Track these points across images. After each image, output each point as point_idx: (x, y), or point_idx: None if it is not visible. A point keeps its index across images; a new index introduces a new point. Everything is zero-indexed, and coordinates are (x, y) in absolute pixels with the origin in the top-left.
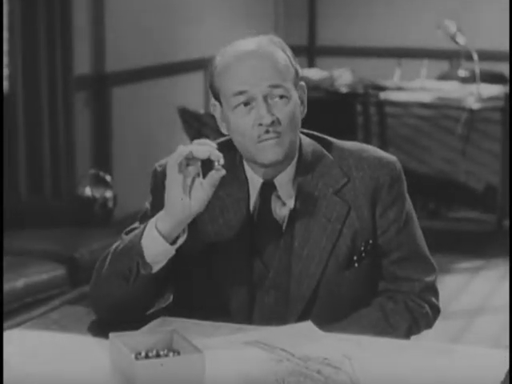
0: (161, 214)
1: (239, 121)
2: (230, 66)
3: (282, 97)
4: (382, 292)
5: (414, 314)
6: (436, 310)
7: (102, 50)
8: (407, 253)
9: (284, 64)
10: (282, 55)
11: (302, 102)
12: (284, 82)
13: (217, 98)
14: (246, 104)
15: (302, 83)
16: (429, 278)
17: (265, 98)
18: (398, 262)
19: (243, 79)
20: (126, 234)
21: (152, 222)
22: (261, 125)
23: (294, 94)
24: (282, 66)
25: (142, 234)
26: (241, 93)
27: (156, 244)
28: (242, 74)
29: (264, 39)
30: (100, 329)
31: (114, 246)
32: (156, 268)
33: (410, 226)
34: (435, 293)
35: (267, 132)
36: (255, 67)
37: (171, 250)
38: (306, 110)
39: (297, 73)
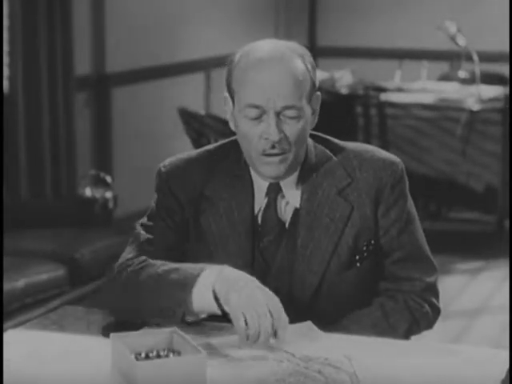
0: (224, 289)
1: (248, 130)
2: (248, 74)
3: (293, 116)
4: (382, 291)
5: (414, 313)
6: (436, 311)
7: (102, 50)
8: (408, 253)
9: (302, 79)
10: (302, 67)
11: (313, 113)
12: (298, 101)
13: (230, 94)
14: (256, 116)
15: (318, 93)
16: (430, 278)
17: (277, 113)
18: (398, 261)
19: (259, 93)
20: (142, 225)
21: (207, 278)
22: (267, 139)
23: (307, 110)
24: (299, 81)
25: (193, 281)
26: (255, 106)
27: (206, 304)
28: (258, 87)
29: (285, 48)
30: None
31: (147, 263)
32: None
33: (411, 227)
34: (436, 293)
35: (273, 147)
36: (273, 82)
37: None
38: (316, 120)
39: (313, 85)
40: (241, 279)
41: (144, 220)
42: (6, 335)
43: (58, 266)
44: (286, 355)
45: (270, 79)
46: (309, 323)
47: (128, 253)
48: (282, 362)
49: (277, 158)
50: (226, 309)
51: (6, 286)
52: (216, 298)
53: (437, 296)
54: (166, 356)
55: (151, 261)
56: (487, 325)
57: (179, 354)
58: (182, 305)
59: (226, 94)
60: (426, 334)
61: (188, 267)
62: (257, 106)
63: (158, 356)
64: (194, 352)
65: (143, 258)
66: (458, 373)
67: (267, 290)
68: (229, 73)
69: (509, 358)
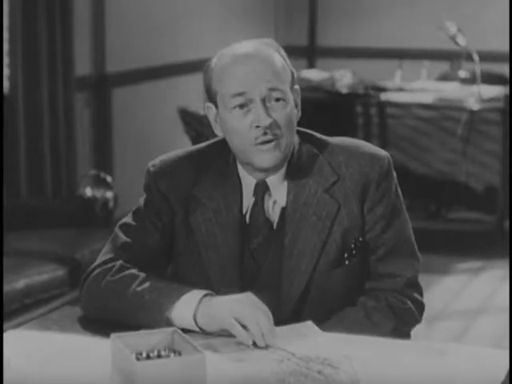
0: (206, 314)
1: (236, 123)
2: (228, 68)
3: (279, 99)
4: (367, 291)
5: (396, 310)
6: (420, 305)
7: (102, 50)
8: (392, 248)
9: (281, 67)
10: (279, 58)
11: (296, 106)
12: (282, 85)
13: (212, 99)
14: (242, 106)
15: (297, 87)
16: (411, 274)
17: (263, 100)
18: (382, 258)
19: (242, 81)
20: (120, 228)
21: (189, 306)
22: (258, 127)
23: (291, 97)
24: (279, 69)
25: (171, 306)
26: (239, 94)
27: (186, 324)
28: (240, 76)
29: (261, 43)
30: (100, 329)
31: (117, 269)
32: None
33: (396, 221)
34: (417, 288)
35: (265, 134)
36: (254, 69)
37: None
38: (300, 114)
39: (293, 76)
40: (220, 305)
41: (127, 219)
42: (6, 335)
43: (58, 267)
44: (286, 355)
45: (250, 68)
46: (309, 323)
47: (105, 254)
48: (282, 361)
49: (271, 145)
50: (215, 330)
51: (6, 287)
52: (198, 325)
53: (419, 291)
54: (167, 356)
55: (130, 271)
56: (487, 325)
57: (180, 354)
58: (162, 325)
59: (207, 104)
60: (426, 333)
61: (166, 288)
62: (241, 93)
63: (159, 356)
64: (195, 352)
65: (120, 262)
66: (457, 373)
67: (242, 297)
68: (207, 77)
69: (509, 358)
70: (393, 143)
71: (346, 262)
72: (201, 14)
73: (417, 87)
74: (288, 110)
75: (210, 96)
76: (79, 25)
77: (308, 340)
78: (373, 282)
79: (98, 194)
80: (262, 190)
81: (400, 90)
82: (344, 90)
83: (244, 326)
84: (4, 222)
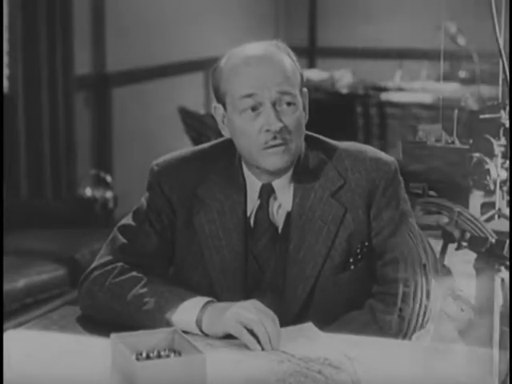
0: (212, 320)
1: (246, 125)
2: (238, 69)
3: (289, 104)
4: (375, 294)
5: (404, 315)
6: (427, 311)
7: (102, 50)
8: (399, 254)
9: (291, 70)
10: (289, 61)
11: (304, 108)
12: (292, 89)
13: (220, 100)
14: (253, 109)
15: (305, 89)
16: (420, 279)
17: (273, 104)
18: (390, 263)
19: (252, 82)
20: (119, 229)
21: (192, 312)
22: (268, 131)
23: (300, 101)
24: (289, 72)
25: (173, 311)
26: (249, 96)
27: (188, 328)
28: (251, 77)
29: (271, 45)
30: (100, 329)
31: (119, 271)
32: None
33: (404, 227)
34: (426, 294)
35: (274, 138)
36: (264, 72)
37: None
38: (307, 117)
39: (302, 78)
40: (226, 311)
41: (126, 221)
42: (7, 335)
43: (59, 266)
44: (287, 356)
45: (261, 70)
46: (309, 324)
47: (103, 256)
48: (283, 362)
49: (280, 149)
50: (220, 335)
51: (6, 286)
52: (202, 331)
53: (427, 296)
54: (167, 356)
55: (132, 274)
56: (487, 325)
57: (180, 354)
58: (162, 327)
59: (215, 104)
60: (425, 333)
61: (168, 293)
62: (251, 95)
63: (159, 356)
64: (195, 352)
65: (121, 264)
66: (458, 373)
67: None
68: (216, 78)
69: (509, 358)
70: (393, 143)
71: (352, 267)
72: (201, 15)
73: (417, 87)
74: (298, 114)
75: (219, 97)
76: (79, 25)
77: (308, 341)
78: (381, 286)
79: (98, 193)
80: (267, 192)
81: (400, 90)
82: (344, 90)
83: (250, 331)
84: (4, 221)
